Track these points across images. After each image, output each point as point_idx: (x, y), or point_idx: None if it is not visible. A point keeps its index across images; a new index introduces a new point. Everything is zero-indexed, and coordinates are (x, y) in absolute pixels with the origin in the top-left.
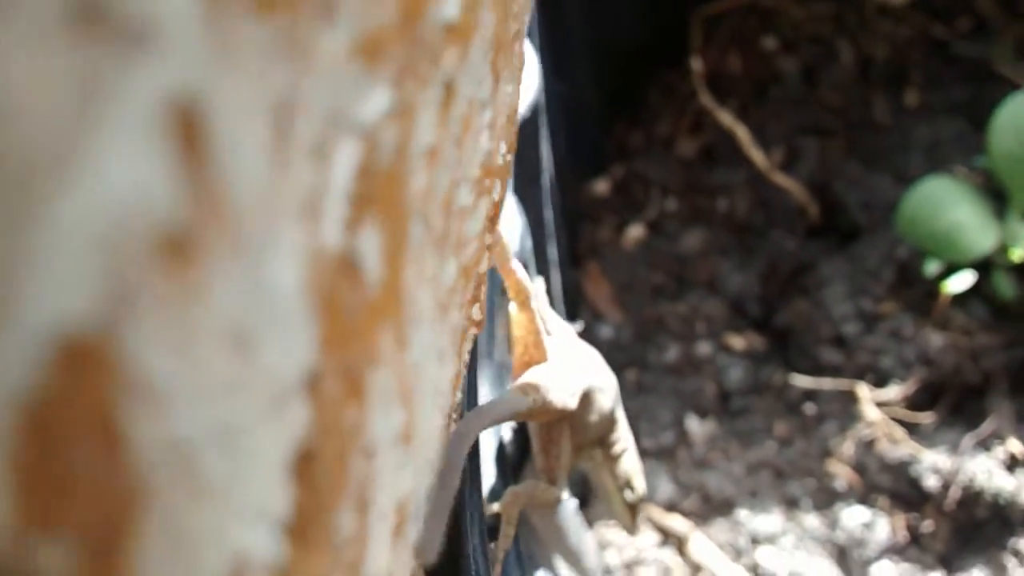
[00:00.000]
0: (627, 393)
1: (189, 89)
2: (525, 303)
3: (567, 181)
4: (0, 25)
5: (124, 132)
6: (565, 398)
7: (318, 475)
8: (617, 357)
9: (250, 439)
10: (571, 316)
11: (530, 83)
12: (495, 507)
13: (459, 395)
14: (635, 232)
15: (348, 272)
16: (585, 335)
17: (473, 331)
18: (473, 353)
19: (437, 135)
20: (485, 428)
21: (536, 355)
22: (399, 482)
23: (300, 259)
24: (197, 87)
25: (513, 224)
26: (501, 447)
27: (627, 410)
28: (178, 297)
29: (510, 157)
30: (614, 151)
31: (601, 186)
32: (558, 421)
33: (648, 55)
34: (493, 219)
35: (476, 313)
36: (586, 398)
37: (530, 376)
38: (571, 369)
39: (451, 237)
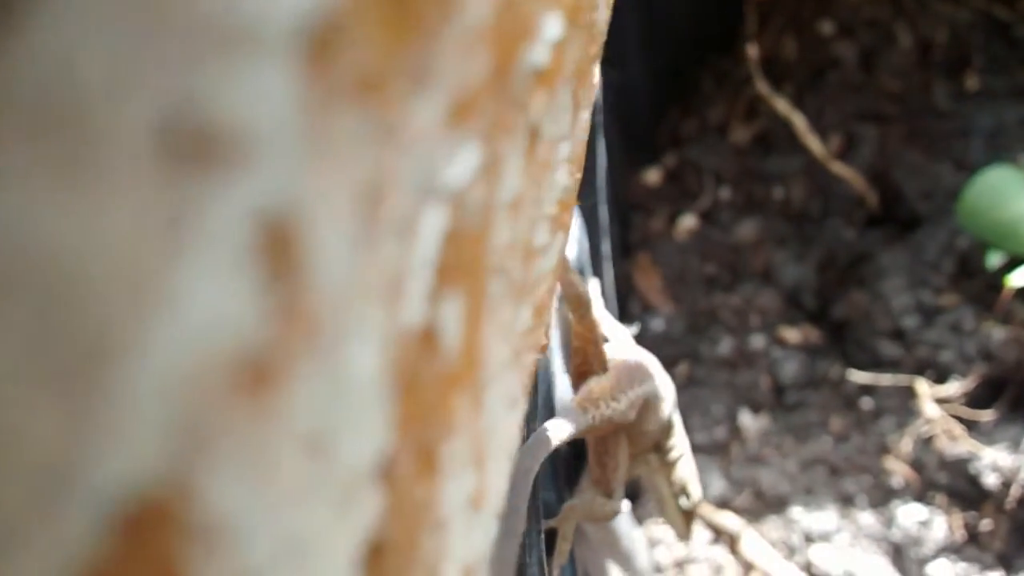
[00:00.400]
0: (679, 387)
1: (281, 200)
2: (585, 315)
3: (618, 171)
4: (86, 182)
5: (211, 264)
6: (625, 411)
7: (389, 562)
8: (669, 350)
9: (320, 544)
10: (622, 308)
11: None
12: (550, 522)
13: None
14: (688, 222)
15: (428, 345)
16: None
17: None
18: None
19: (521, 184)
20: (547, 455)
21: (595, 365)
22: (468, 546)
23: (380, 343)
24: (290, 196)
25: (571, 229)
26: (555, 457)
27: (678, 404)
28: (254, 421)
29: (578, 176)
30: (667, 139)
31: (653, 175)
32: (615, 432)
33: (701, 40)
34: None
35: (542, 338)
36: (644, 407)
37: (589, 390)
38: (630, 379)
39: (528, 281)
